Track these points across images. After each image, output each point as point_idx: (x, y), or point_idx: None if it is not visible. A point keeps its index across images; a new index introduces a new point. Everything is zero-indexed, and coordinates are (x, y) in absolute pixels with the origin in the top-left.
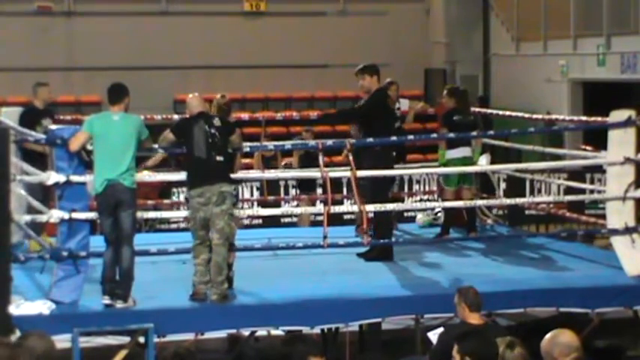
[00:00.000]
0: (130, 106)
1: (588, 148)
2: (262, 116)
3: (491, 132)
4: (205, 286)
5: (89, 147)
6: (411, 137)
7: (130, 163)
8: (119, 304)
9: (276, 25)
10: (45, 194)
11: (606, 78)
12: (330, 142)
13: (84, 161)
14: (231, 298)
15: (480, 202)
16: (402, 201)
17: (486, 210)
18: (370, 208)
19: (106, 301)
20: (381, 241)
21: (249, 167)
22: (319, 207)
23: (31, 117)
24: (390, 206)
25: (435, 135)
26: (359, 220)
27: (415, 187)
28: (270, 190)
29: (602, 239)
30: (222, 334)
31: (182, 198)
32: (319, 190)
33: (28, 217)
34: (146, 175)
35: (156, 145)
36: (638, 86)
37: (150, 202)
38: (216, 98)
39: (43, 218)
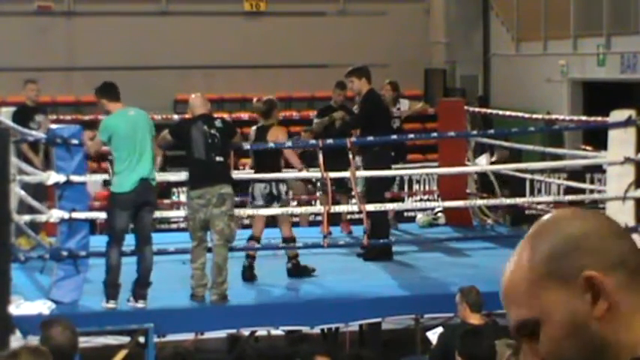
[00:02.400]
0: (130, 106)
1: (588, 148)
2: None
3: (492, 132)
4: (204, 289)
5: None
6: (411, 136)
7: (153, 159)
8: (140, 304)
9: (276, 25)
10: (35, 193)
11: (606, 78)
12: (330, 141)
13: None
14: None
15: (479, 202)
16: (402, 201)
17: (486, 210)
18: (370, 207)
19: (111, 304)
20: (381, 241)
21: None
22: (319, 207)
23: (22, 115)
24: (389, 206)
25: (434, 134)
26: (343, 215)
27: (415, 187)
28: None
29: None
30: (222, 334)
31: (182, 198)
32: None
33: (27, 217)
34: None
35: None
36: (638, 86)
37: None
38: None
39: (42, 218)
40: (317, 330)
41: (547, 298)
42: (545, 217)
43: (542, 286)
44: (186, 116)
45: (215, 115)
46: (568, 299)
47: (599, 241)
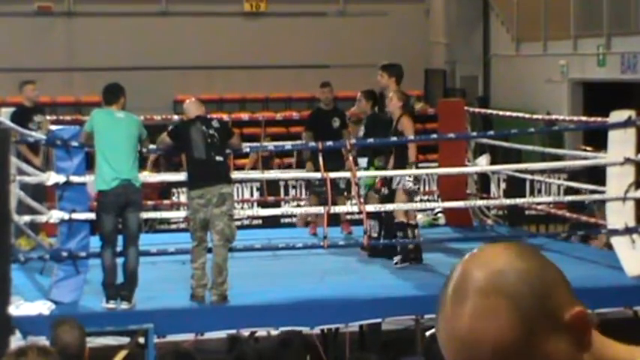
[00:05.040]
0: (130, 106)
1: (588, 148)
2: (262, 116)
3: (491, 132)
4: (204, 290)
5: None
6: (411, 137)
7: (136, 163)
8: (124, 306)
9: (276, 25)
10: (34, 193)
11: (606, 78)
12: (330, 142)
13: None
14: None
15: (479, 202)
16: None
17: (486, 210)
18: (370, 208)
19: (111, 305)
20: (381, 241)
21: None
22: (319, 207)
23: (20, 116)
24: (389, 206)
25: (434, 135)
26: (343, 216)
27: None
28: (270, 191)
29: (600, 239)
30: (222, 334)
31: (182, 198)
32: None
33: (27, 218)
34: (146, 175)
35: (152, 146)
36: (638, 86)
37: (150, 202)
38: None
39: (42, 219)
40: (317, 330)
41: (547, 345)
42: (484, 269)
43: (538, 333)
44: (183, 118)
45: (213, 116)
46: (561, 338)
47: (553, 272)
